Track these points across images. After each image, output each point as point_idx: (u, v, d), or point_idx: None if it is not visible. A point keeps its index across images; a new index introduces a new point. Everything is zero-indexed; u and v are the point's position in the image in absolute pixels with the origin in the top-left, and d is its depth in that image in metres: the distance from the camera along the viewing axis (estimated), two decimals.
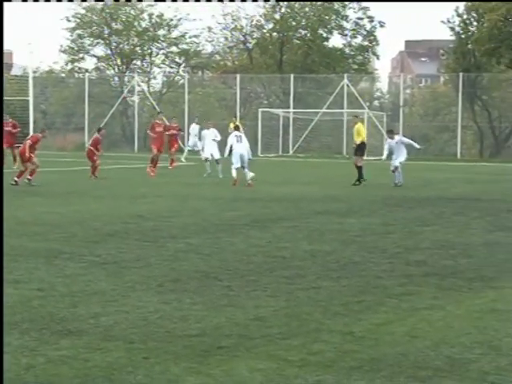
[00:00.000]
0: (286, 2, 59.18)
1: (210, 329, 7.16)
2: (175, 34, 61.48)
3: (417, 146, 25.08)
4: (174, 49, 61.96)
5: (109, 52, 62.06)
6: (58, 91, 61.19)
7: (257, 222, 14.76)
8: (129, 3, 60.52)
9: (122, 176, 29.16)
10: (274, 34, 60.59)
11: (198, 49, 62.30)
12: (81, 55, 62.17)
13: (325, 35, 60.02)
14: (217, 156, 28.54)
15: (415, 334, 7.07)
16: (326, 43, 60.31)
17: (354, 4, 59.36)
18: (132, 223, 14.44)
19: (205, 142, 29.75)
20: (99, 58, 62.35)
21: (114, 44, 61.53)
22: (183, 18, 60.99)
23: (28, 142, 23.64)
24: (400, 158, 24.67)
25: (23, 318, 7.44)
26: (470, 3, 52.91)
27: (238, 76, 54.89)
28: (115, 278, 9.38)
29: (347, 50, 60.71)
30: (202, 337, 6.89)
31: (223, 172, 26.90)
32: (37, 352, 6.39)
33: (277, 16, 59.80)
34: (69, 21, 60.84)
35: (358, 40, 60.11)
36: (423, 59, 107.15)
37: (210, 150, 28.93)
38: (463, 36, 53.61)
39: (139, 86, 58.12)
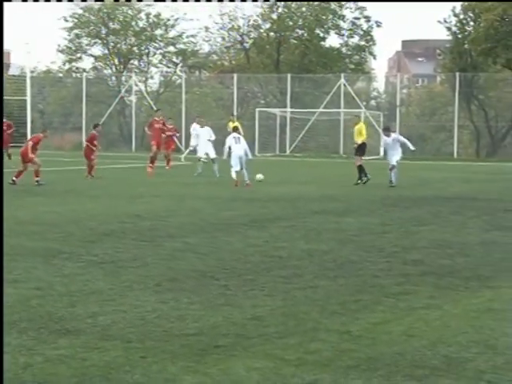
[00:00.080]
0: (282, 2, 59.19)
1: (207, 328, 7.18)
2: (172, 33, 61.56)
3: (411, 147, 25.03)
4: (171, 48, 61.98)
5: (106, 52, 62.05)
6: (56, 91, 61.16)
7: (254, 222, 14.78)
8: (126, 3, 60.50)
9: (120, 175, 29.16)
10: (271, 33, 60.59)
11: (195, 48, 62.32)
12: (78, 55, 62.15)
13: (322, 35, 60.03)
14: (212, 155, 28.33)
15: (412, 333, 7.09)
16: (322, 43, 60.32)
17: (351, 4, 59.43)
18: (129, 223, 14.46)
19: (199, 140, 29.32)
20: (97, 58, 62.34)
21: (112, 44, 61.51)
22: (180, 17, 61.09)
23: (30, 143, 23.68)
24: (395, 156, 24.65)
25: (21, 317, 7.46)
26: (466, 3, 52.95)
27: (235, 76, 54.90)
28: (113, 277, 9.40)
29: (344, 50, 60.71)
30: (199, 336, 6.91)
31: (220, 171, 26.87)
32: (34, 351, 6.41)
33: (274, 16, 59.82)
34: (66, 21, 60.90)
35: (355, 40, 60.17)
36: (420, 59, 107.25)
37: (205, 149, 28.63)
38: (460, 36, 53.62)
39: (136, 85, 58.12)
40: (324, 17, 59.16)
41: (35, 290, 8.63)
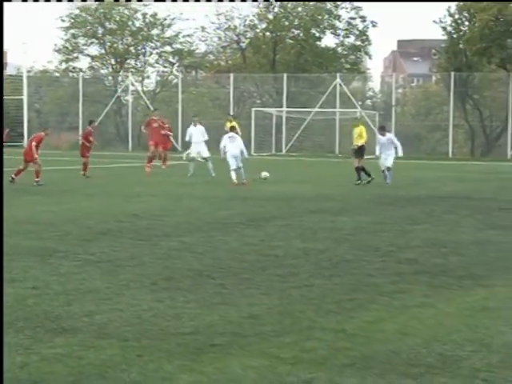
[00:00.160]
0: (278, 2, 59.21)
1: (204, 327, 7.21)
2: (169, 33, 61.59)
3: (400, 152, 25.10)
4: (167, 48, 62.00)
5: (103, 51, 62.03)
6: (53, 90, 61.15)
7: (250, 221, 14.81)
8: (122, 3, 60.50)
9: (116, 175, 29.17)
10: (267, 33, 60.61)
11: (192, 48, 62.33)
12: (75, 55, 62.13)
13: (317, 35, 60.08)
14: (205, 154, 28.20)
15: (406, 331, 7.12)
16: (318, 43, 60.37)
17: (347, 4, 59.47)
18: (126, 222, 14.48)
19: (191, 139, 28.94)
20: (93, 58, 62.31)
21: (108, 43, 61.49)
22: (177, 17, 61.11)
23: (34, 144, 23.75)
24: (390, 157, 24.80)
25: (18, 316, 7.47)
26: (461, 3, 53.02)
27: (232, 75, 54.94)
28: (109, 276, 9.43)
29: (340, 50, 60.76)
30: (196, 335, 6.94)
31: (215, 170, 26.89)
32: (31, 350, 6.43)
33: (270, 16, 59.85)
34: (63, 20, 60.90)
35: (351, 40, 60.23)
36: (415, 59, 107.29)
37: (197, 149, 28.44)
38: (455, 36, 53.70)
39: (133, 85, 58.11)
40: (320, 17, 59.21)
41: (32, 289, 8.65)
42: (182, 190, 22.14)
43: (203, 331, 7.05)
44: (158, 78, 62.43)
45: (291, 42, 60.31)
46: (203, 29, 61.48)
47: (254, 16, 60.28)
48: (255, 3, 59.63)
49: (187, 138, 29.33)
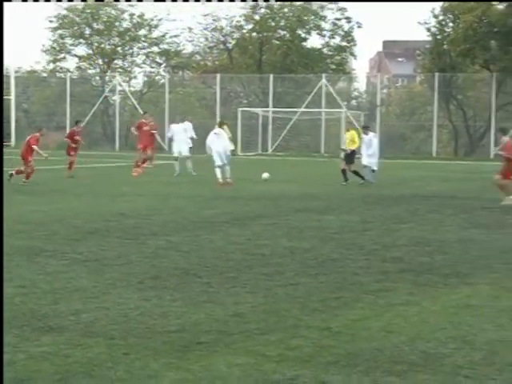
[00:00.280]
0: (265, 3, 59.24)
1: (190, 325, 7.24)
2: (156, 34, 61.51)
3: (375, 159, 25.53)
4: (154, 49, 61.92)
5: (90, 52, 61.89)
6: (40, 90, 61.00)
7: (236, 220, 14.85)
8: (109, 3, 60.38)
9: (104, 175, 29.14)
10: (254, 34, 60.62)
11: (179, 49, 62.28)
12: (62, 55, 61.97)
13: (303, 35, 60.12)
14: (185, 153, 28.19)
15: (391, 329, 7.17)
16: (304, 43, 60.40)
17: (332, 5, 59.54)
18: (113, 221, 14.50)
19: (173, 138, 28.84)
20: (81, 58, 62.16)
21: (96, 44, 61.36)
22: (163, 18, 61.06)
23: (34, 147, 23.83)
24: (373, 158, 25.10)
25: (5, 315, 7.48)
26: (446, 3, 53.17)
27: (218, 76, 54.94)
28: (96, 275, 9.45)
29: (325, 51, 60.81)
30: (182, 333, 6.98)
31: (194, 169, 26.92)
32: (18, 348, 6.45)
33: (256, 17, 59.87)
34: (51, 21, 60.76)
35: (336, 40, 60.27)
36: (400, 59, 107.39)
37: (179, 148, 28.45)
38: (439, 37, 53.82)
39: (120, 85, 58.02)
40: (306, 18, 59.27)
41: (19, 287, 8.67)
42: (168, 189, 22.16)
43: (189, 329, 7.09)
44: (145, 79, 62.39)
45: (277, 42, 60.35)
46: (190, 29, 61.55)
47: (240, 17, 60.35)
48: (243, 3, 59.64)
49: (169, 135, 29.45)
